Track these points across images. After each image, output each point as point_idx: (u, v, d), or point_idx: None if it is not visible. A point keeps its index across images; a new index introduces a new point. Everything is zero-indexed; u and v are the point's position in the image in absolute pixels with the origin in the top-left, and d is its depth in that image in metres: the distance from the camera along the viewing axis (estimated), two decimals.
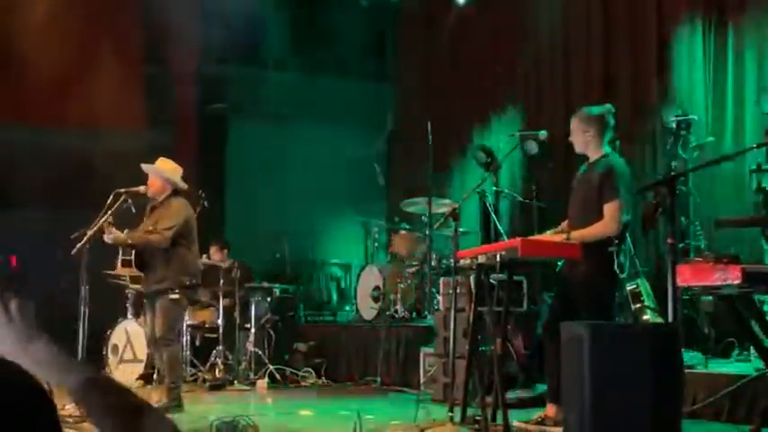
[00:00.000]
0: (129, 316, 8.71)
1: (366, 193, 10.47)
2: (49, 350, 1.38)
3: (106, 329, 8.71)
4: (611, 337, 4.42)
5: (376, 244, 9.80)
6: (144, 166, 7.14)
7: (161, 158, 7.22)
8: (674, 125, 7.29)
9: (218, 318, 8.79)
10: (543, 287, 7.75)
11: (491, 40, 10.41)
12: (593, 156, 5.73)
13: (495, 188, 7.84)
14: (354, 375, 8.86)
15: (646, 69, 8.65)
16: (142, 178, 7.18)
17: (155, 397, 6.96)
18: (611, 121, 5.74)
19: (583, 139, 5.71)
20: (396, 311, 9.00)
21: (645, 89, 8.62)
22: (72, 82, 9.71)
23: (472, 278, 5.83)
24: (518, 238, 5.32)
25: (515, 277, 6.71)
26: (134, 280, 7.63)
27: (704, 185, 7.45)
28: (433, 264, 8.81)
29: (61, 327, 8.35)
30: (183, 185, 7.15)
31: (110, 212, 6.75)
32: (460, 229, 6.18)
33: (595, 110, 5.78)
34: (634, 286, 7.11)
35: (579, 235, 5.51)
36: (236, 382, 8.50)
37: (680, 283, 4.81)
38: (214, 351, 8.74)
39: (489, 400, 5.54)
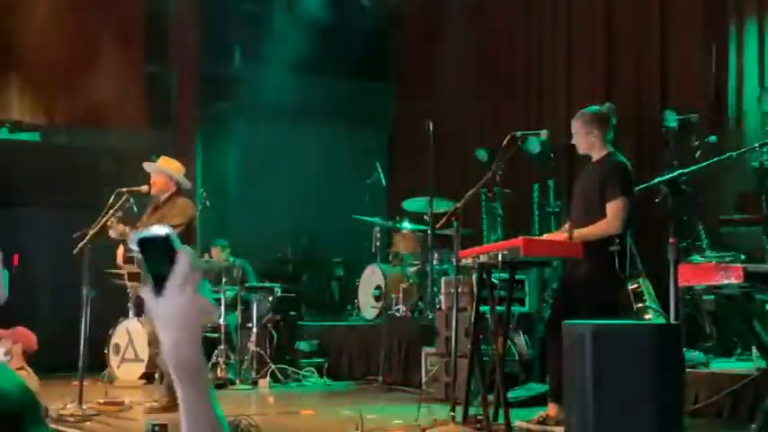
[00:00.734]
0: (131, 315, 8.71)
1: (368, 192, 10.46)
2: (195, 354, 1.33)
3: (108, 329, 8.72)
4: (613, 337, 4.42)
5: (378, 243, 9.80)
6: (147, 165, 7.13)
7: (163, 157, 7.22)
8: (675, 125, 7.29)
9: (220, 317, 8.79)
10: (545, 287, 7.75)
11: (491, 39, 10.41)
12: (597, 155, 5.74)
13: (496, 187, 7.84)
14: (356, 375, 8.86)
15: (648, 69, 8.66)
16: (144, 178, 7.19)
17: (155, 396, 6.96)
18: (613, 120, 5.75)
19: (586, 141, 5.71)
20: (397, 311, 9.00)
21: (646, 89, 8.63)
22: (75, 79, 9.72)
23: (474, 277, 5.83)
24: (520, 238, 5.33)
25: (517, 276, 6.72)
26: (132, 277, 7.60)
27: (706, 185, 7.45)
28: (434, 263, 8.81)
29: (63, 326, 8.39)
30: (188, 184, 7.15)
31: (112, 212, 6.75)
32: (462, 229, 6.17)
33: (597, 109, 5.78)
34: (636, 285, 7.11)
35: (582, 234, 5.51)
36: (237, 381, 8.50)
37: (682, 282, 4.82)
38: (216, 350, 8.74)
39: (491, 399, 5.54)
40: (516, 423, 5.50)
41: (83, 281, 6.72)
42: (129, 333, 8.65)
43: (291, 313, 9.68)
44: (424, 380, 7.59)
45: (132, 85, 10.43)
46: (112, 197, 6.83)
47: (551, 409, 5.58)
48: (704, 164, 5.92)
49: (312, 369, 8.91)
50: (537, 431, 5.57)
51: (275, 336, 9.13)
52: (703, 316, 6.81)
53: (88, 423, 6.23)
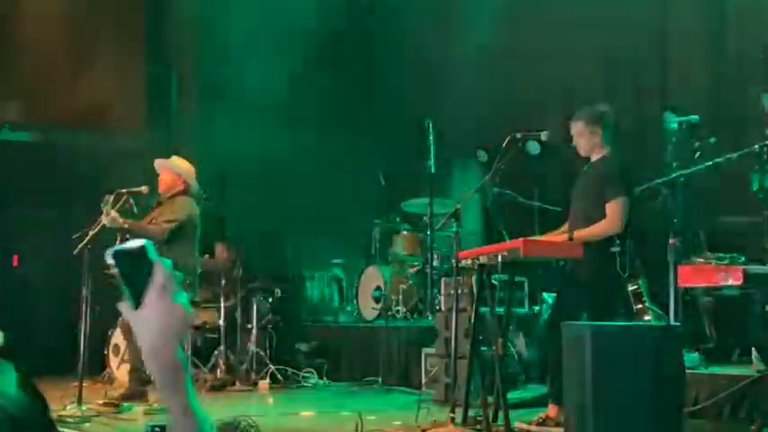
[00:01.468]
0: None
1: (367, 193, 10.46)
2: (176, 362, 1.35)
3: (107, 329, 8.71)
4: (613, 338, 4.43)
5: (377, 244, 9.80)
6: (157, 162, 7.13)
7: (176, 156, 7.24)
8: (675, 126, 7.28)
9: (220, 318, 8.79)
10: (545, 288, 7.75)
11: (492, 39, 10.40)
12: (597, 156, 5.74)
13: (496, 188, 7.84)
14: (356, 375, 8.86)
15: (648, 70, 8.66)
16: (145, 178, 7.19)
17: (152, 397, 6.97)
18: (613, 120, 5.76)
19: (590, 141, 5.71)
20: (397, 312, 9.00)
21: (646, 90, 8.63)
22: (74, 80, 9.72)
23: (474, 278, 5.83)
24: (520, 239, 5.33)
25: (517, 278, 6.72)
26: None
27: (706, 186, 7.44)
28: (434, 264, 8.81)
29: (63, 327, 8.39)
30: (196, 186, 7.15)
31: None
32: (462, 230, 6.18)
33: (597, 110, 5.79)
34: (635, 287, 7.11)
35: (582, 234, 5.51)
36: (237, 382, 8.50)
37: (682, 283, 4.83)
38: (215, 351, 8.74)
39: (491, 400, 5.54)
40: (516, 424, 5.50)
41: (82, 282, 6.72)
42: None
43: (291, 314, 9.68)
44: (423, 381, 7.59)
45: (131, 85, 10.43)
46: (112, 197, 6.83)
47: (551, 410, 5.58)
48: (704, 165, 5.93)
49: (312, 370, 8.91)
50: None
51: (275, 336, 9.13)
52: (703, 317, 6.81)
53: (88, 424, 6.23)
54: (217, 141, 10.72)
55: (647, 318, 6.96)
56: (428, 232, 8.98)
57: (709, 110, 7.88)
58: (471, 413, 5.61)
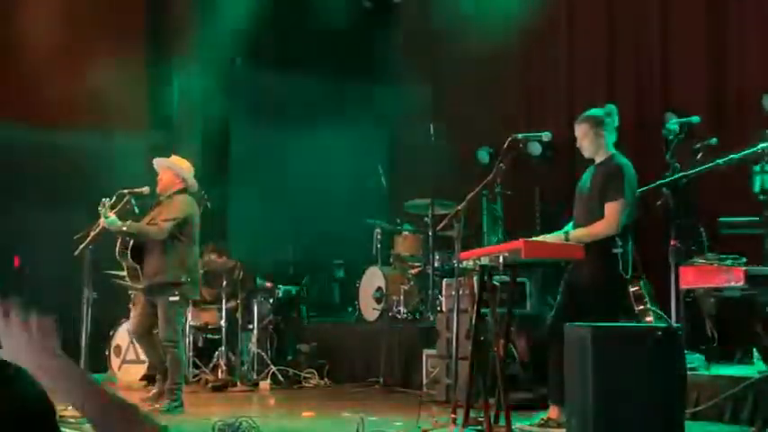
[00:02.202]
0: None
1: (369, 194, 10.46)
2: (67, 368, 1.38)
3: (109, 330, 8.72)
4: (615, 339, 4.43)
5: (379, 245, 9.80)
6: (156, 161, 7.13)
7: (175, 155, 7.25)
8: (676, 126, 7.28)
9: (221, 319, 8.79)
10: (546, 289, 7.74)
11: (493, 40, 10.40)
12: (600, 157, 5.74)
13: (498, 189, 7.83)
14: (357, 376, 8.85)
15: (649, 71, 8.65)
16: (145, 179, 7.18)
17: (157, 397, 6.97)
18: (617, 122, 5.76)
19: (595, 143, 5.71)
20: (398, 313, 9.00)
21: (647, 91, 8.63)
22: (76, 79, 9.71)
23: (475, 279, 5.83)
24: (521, 240, 5.32)
25: (518, 279, 6.71)
26: (133, 277, 7.51)
27: (707, 187, 7.44)
28: (435, 265, 8.81)
29: (64, 327, 8.39)
30: (194, 184, 7.15)
31: (113, 212, 6.74)
32: (463, 231, 6.17)
33: (601, 111, 5.78)
34: (637, 288, 7.10)
35: (578, 235, 5.52)
36: (238, 383, 8.50)
37: (683, 284, 4.82)
38: (217, 352, 8.74)
39: (492, 401, 5.54)
40: (517, 426, 5.49)
41: (84, 282, 6.72)
42: (129, 335, 8.64)
43: (292, 315, 9.68)
44: (424, 382, 7.59)
45: (134, 85, 10.43)
46: (114, 198, 6.83)
47: (553, 412, 5.57)
48: (705, 166, 5.92)
49: (313, 371, 8.91)
50: None
51: (276, 337, 9.13)
52: (704, 318, 6.81)
53: (89, 425, 6.22)
54: (218, 142, 10.75)
55: (648, 319, 6.96)
56: (429, 233, 8.97)
57: (711, 111, 7.88)
58: (472, 414, 5.60)
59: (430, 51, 11.37)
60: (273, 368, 8.65)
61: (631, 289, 7.04)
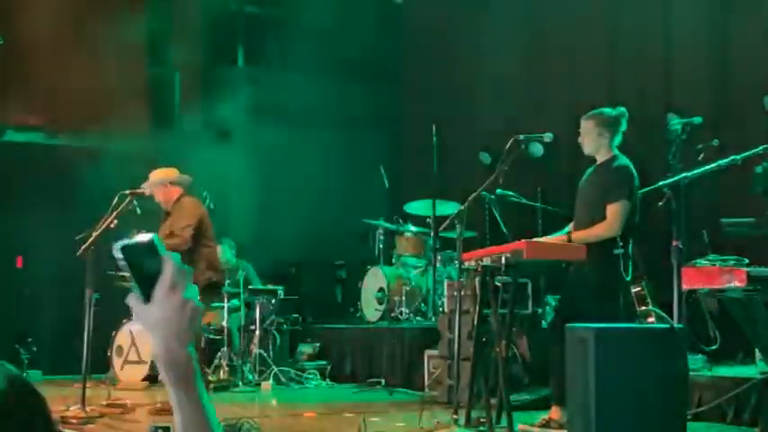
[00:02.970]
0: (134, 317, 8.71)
1: (371, 194, 10.47)
2: (187, 361, 1.34)
3: (111, 331, 8.73)
4: (617, 340, 4.42)
5: (381, 246, 9.80)
6: (145, 185, 7.14)
7: (152, 172, 7.26)
8: (678, 127, 7.28)
9: (223, 319, 8.79)
10: (548, 289, 7.74)
11: (497, 41, 10.40)
12: (602, 158, 5.73)
13: (499, 190, 7.83)
14: (359, 377, 8.86)
15: (651, 71, 8.65)
16: (146, 180, 7.19)
17: (158, 398, 6.97)
18: (624, 125, 5.75)
19: (596, 141, 5.71)
20: (400, 313, 9.00)
21: (649, 92, 8.62)
22: (77, 80, 9.73)
23: (477, 280, 5.83)
24: (523, 241, 5.33)
25: (520, 279, 6.71)
26: None
27: (709, 188, 7.44)
28: (437, 265, 8.81)
29: (67, 328, 8.40)
30: (187, 179, 7.16)
31: (115, 214, 6.75)
32: (465, 232, 6.18)
33: (611, 113, 5.77)
34: (639, 289, 7.10)
35: (580, 236, 5.52)
36: (240, 383, 8.50)
37: (685, 285, 4.81)
38: (219, 353, 8.75)
39: (494, 402, 5.54)
40: (519, 426, 5.49)
41: (86, 283, 6.73)
42: (131, 335, 8.65)
43: (294, 315, 9.69)
44: (426, 383, 7.59)
45: (135, 85, 10.45)
46: (116, 199, 6.83)
47: (554, 413, 5.57)
48: (708, 167, 5.91)
49: (315, 371, 8.92)
50: None
51: (278, 338, 9.13)
52: (706, 319, 6.80)
53: (91, 425, 6.24)
54: (219, 142, 10.74)
55: (650, 320, 6.96)
56: (431, 234, 8.97)
57: (713, 111, 7.87)
58: (474, 415, 5.61)
59: (431, 51, 11.38)
60: (275, 368, 8.65)
61: (633, 290, 7.04)
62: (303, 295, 10.37)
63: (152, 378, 8.36)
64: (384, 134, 12.06)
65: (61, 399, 6.70)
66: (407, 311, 8.98)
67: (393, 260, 9.62)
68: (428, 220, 9.11)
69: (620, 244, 5.45)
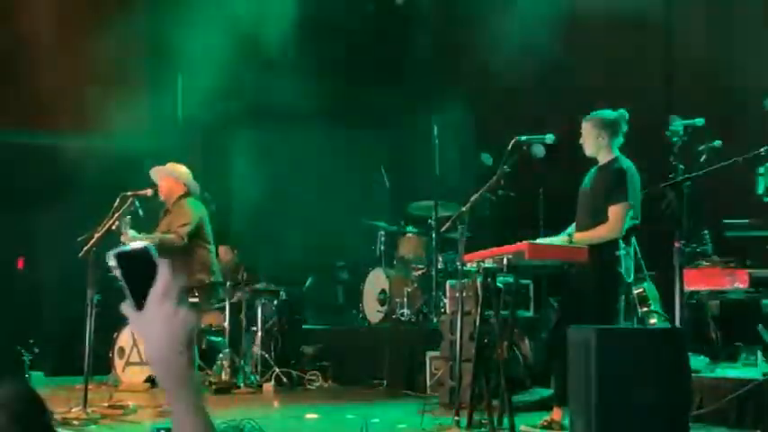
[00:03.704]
0: None
1: (372, 195, 10.47)
2: (186, 370, 1.35)
3: (113, 332, 8.72)
4: (618, 342, 4.43)
5: (382, 247, 9.80)
6: (154, 170, 7.13)
7: (171, 162, 7.24)
8: (680, 129, 7.27)
9: (225, 320, 8.79)
10: (550, 291, 7.74)
11: (495, 42, 10.40)
12: (603, 159, 5.74)
13: (501, 191, 7.82)
14: (360, 379, 8.85)
15: (652, 72, 8.65)
16: (149, 181, 7.20)
17: (160, 399, 6.97)
18: (625, 127, 5.75)
19: (595, 144, 5.72)
20: (402, 315, 8.99)
21: (651, 93, 8.62)
22: (78, 83, 9.74)
23: (479, 281, 5.83)
24: (525, 242, 5.33)
25: (522, 281, 6.71)
26: None
27: (711, 189, 7.43)
28: (439, 267, 8.81)
29: (68, 329, 8.41)
30: (196, 187, 7.16)
31: (117, 215, 6.75)
32: (467, 233, 6.18)
33: (610, 115, 5.77)
34: (641, 290, 7.09)
35: (582, 237, 5.52)
36: (242, 384, 8.50)
37: (687, 287, 4.81)
38: (220, 354, 8.74)
39: (495, 403, 5.53)
40: (521, 428, 5.49)
41: (88, 284, 6.73)
42: (133, 336, 8.65)
43: (296, 317, 9.68)
44: (428, 384, 7.59)
45: (137, 87, 10.45)
46: (118, 200, 6.84)
47: (556, 414, 5.57)
48: (710, 168, 5.91)
49: (316, 373, 8.91)
50: None
51: (280, 339, 9.12)
52: (708, 321, 6.80)
53: (93, 427, 6.24)
54: (220, 143, 10.75)
55: (652, 321, 6.95)
56: (433, 235, 8.97)
57: (715, 113, 7.87)
58: (476, 416, 5.60)
59: (433, 52, 11.38)
60: (277, 370, 8.65)
61: (635, 291, 7.04)
62: (305, 296, 10.36)
63: (154, 380, 8.36)
64: (386, 135, 12.06)
65: (63, 400, 6.70)
66: (409, 313, 8.98)
67: (395, 261, 9.61)
68: (430, 221, 9.11)
69: (622, 245, 5.45)
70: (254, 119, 11.24)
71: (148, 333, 1.31)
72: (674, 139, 7.02)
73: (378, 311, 9.38)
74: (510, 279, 5.85)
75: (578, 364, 4.42)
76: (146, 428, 5.98)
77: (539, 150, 8.28)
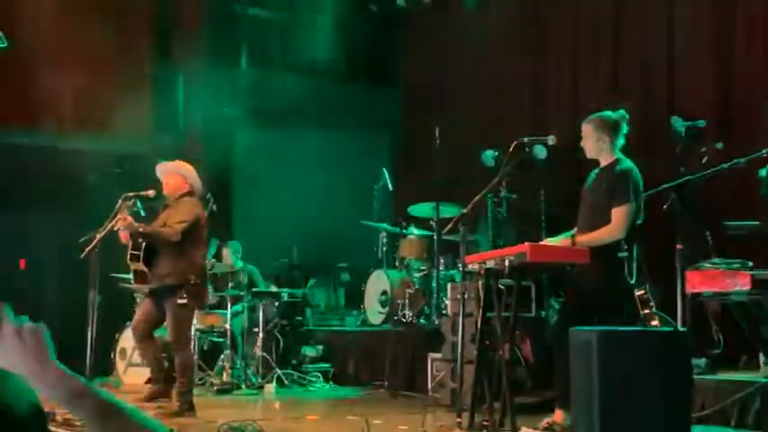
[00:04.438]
0: None
1: (374, 197, 10.47)
2: (61, 375, 1.38)
3: (114, 333, 8.73)
4: (620, 343, 4.42)
5: (384, 248, 9.80)
6: (161, 165, 7.13)
7: (178, 160, 7.25)
8: (682, 130, 7.27)
9: (226, 322, 8.79)
10: (551, 292, 7.73)
11: (496, 42, 10.40)
12: (605, 161, 5.73)
13: (503, 193, 7.83)
14: (362, 380, 8.85)
15: (654, 73, 8.64)
16: (150, 181, 7.18)
17: (162, 400, 6.96)
18: (625, 128, 5.74)
19: (596, 146, 5.71)
20: (403, 316, 8.99)
21: (653, 94, 8.61)
22: (80, 84, 9.74)
23: (480, 283, 5.82)
24: (527, 243, 5.32)
25: (523, 282, 6.69)
26: (139, 279, 7.44)
27: (713, 191, 7.43)
28: (441, 268, 8.80)
29: (70, 330, 8.41)
30: (201, 187, 7.16)
31: (118, 216, 6.75)
32: (468, 234, 6.17)
33: (610, 116, 5.76)
34: (642, 291, 7.08)
35: (585, 239, 5.51)
36: (243, 386, 8.50)
37: (689, 289, 4.81)
38: (222, 355, 8.75)
39: (497, 405, 5.53)
40: (523, 429, 5.48)
41: (89, 285, 6.72)
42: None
43: (297, 318, 9.68)
44: (430, 386, 7.58)
45: (138, 89, 10.45)
46: (119, 201, 6.83)
47: (558, 416, 5.56)
48: (712, 170, 5.91)
49: (318, 374, 8.91)
50: None
51: (281, 341, 9.13)
52: (710, 323, 6.79)
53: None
54: (222, 144, 10.75)
55: (654, 323, 6.94)
56: (435, 236, 8.97)
57: (717, 114, 7.87)
58: (478, 418, 5.60)
59: (434, 53, 11.37)
60: (278, 371, 8.65)
61: (637, 293, 7.02)
62: (306, 298, 10.36)
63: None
64: (388, 137, 12.06)
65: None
66: (411, 314, 8.97)
67: (396, 263, 9.61)
68: (432, 222, 9.11)
69: (625, 247, 5.44)
70: (255, 120, 11.24)
71: (8, 363, 1.36)
72: (676, 140, 7.02)
73: (379, 313, 9.37)
74: (512, 281, 5.85)
75: (580, 365, 4.41)
76: None
77: (540, 151, 8.29)
